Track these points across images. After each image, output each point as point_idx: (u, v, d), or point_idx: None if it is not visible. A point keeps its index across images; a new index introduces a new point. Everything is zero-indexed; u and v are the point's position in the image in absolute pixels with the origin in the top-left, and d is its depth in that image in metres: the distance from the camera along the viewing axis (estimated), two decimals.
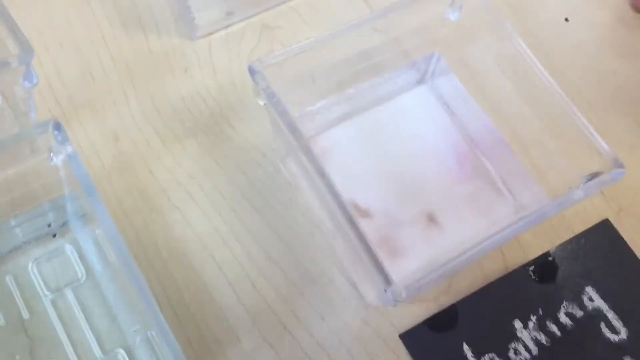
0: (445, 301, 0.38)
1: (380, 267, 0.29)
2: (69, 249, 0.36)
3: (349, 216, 0.30)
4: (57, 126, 0.31)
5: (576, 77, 0.47)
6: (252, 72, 0.33)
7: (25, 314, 0.34)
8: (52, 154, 0.32)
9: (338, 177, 0.39)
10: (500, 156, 0.40)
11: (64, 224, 0.36)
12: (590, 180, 0.33)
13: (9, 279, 0.35)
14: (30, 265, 0.35)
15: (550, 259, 0.40)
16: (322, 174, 0.31)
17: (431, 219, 0.39)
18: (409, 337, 0.37)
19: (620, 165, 0.32)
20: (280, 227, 0.39)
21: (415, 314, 0.38)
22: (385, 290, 0.29)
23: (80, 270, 0.36)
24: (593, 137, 0.33)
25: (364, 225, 0.37)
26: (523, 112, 0.37)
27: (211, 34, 0.45)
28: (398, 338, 0.37)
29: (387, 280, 0.29)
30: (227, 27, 0.46)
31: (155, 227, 0.39)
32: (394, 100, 0.42)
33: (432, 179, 0.40)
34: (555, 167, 0.37)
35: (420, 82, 0.43)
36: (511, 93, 0.37)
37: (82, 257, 0.36)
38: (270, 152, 0.42)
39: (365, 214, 0.39)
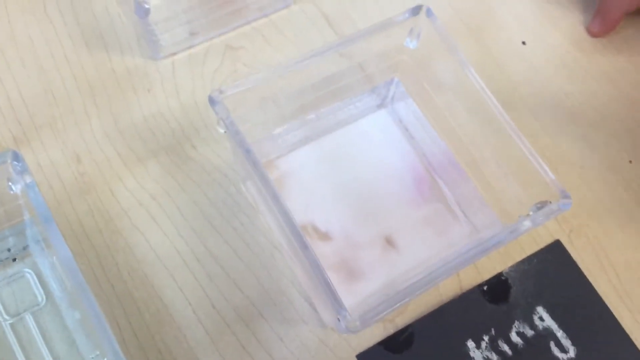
0: (401, 322, 0.39)
1: (334, 297, 0.30)
2: (28, 273, 0.36)
3: (304, 243, 0.31)
4: (16, 157, 0.31)
5: (533, 99, 0.48)
6: (212, 102, 0.34)
7: None
8: (10, 183, 0.32)
9: (298, 199, 0.40)
10: (456, 180, 0.41)
11: (24, 249, 0.37)
12: (539, 208, 0.34)
13: None
14: None
15: (503, 278, 0.42)
16: (277, 199, 0.32)
17: (389, 242, 0.40)
18: (366, 358, 0.38)
19: (567, 196, 0.34)
20: (241, 248, 0.40)
21: (372, 334, 0.39)
22: (339, 320, 0.30)
23: (40, 295, 0.36)
24: (541, 167, 0.35)
25: (324, 247, 0.38)
26: (476, 138, 0.39)
27: (174, 54, 0.46)
28: (355, 358, 0.38)
29: (341, 311, 0.30)
30: (190, 47, 0.46)
31: (117, 249, 0.39)
32: (354, 124, 0.43)
33: (391, 201, 0.41)
34: (506, 193, 0.38)
35: (380, 106, 0.44)
36: (465, 119, 0.39)
37: (41, 281, 0.36)
38: (232, 172, 0.42)
39: (325, 236, 0.40)
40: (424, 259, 0.39)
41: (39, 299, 0.36)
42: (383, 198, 0.41)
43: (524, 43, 0.51)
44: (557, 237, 0.44)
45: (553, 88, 0.49)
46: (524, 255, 0.43)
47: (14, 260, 0.37)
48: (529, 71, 0.50)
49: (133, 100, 0.44)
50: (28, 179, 0.31)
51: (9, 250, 0.36)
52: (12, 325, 0.35)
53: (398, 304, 0.32)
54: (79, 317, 0.35)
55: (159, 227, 0.40)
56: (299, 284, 0.40)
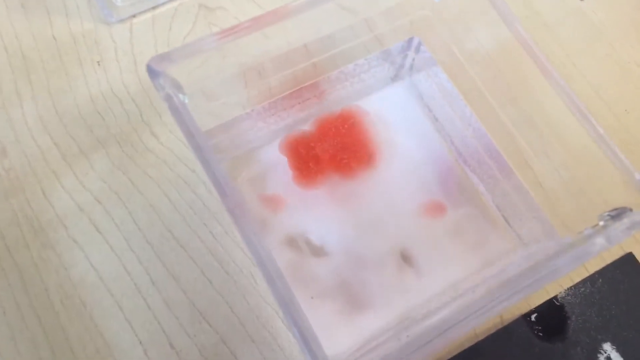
0: None
1: (308, 346, 0.21)
2: None
3: (260, 257, 0.22)
4: None
5: (594, 70, 0.38)
6: (152, 73, 0.25)
7: None
8: None
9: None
10: (496, 176, 0.32)
11: None
12: (615, 218, 0.25)
13: None
14: None
15: (557, 305, 0.32)
16: (227, 199, 0.23)
17: (405, 259, 0.31)
18: None
19: None
20: (211, 266, 0.32)
21: None
22: None
23: None
24: (617, 160, 0.25)
25: (318, 266, 0.29)
26: (527, 121, 0.29)
27: (134, 16, 0.37)
28: None
29: None
30: (154, 7, 0.37)
31: (47, 268, 0.31)
32: (361, 103, 0.34)
33: (408, 205, 0.32)
34: (566, 194, 0.29)
35: (395, 78, 0.34)
36: (512, 95, 0.29)
37: None
38: (202, 169, 0.34)
39: (320, 251, 0.31)
40: (451, 283, 0.30)
41: None
42: (397, 200, 0.32)
43: None
44: (628, 249, 0.34)
45: (620, 55, 0.39)
46: (585, 274, 0.33)
47: None
48: (589, 36, 0.40)
49: (78, 76, 0.35)
50: None
51: None
52: None
53: (416, 353, 0.23)
54: None
55: (104, 240, 0.32)
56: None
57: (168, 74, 0.25)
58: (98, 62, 0.36)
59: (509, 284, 0.24)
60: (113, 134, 0.34)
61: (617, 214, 0.25)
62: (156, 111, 0.35)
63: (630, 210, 0.25)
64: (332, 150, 0.32)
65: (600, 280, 0.33)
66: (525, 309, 0.32)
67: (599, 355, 0.31)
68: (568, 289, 0.33)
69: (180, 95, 0.25)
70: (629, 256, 0.34)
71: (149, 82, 0.35)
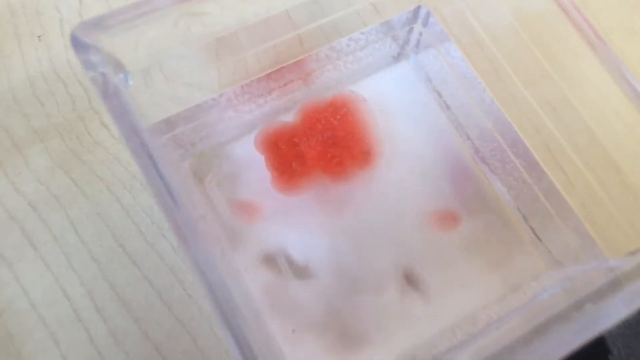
0: None
1: None
2: None
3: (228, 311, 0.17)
4: None
5: (634, 47, 0.32)
6: (78, 47, 0.19)
7: None
8: None
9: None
10: (523, 177, 0.26)
11: None
12: None
13: None
14: None
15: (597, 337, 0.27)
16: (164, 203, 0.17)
17: (410, 281, 0.25)
18: None
19: None
20: (171, 289, 0.26)
21: None
22: None
23: None
24: None
25: (300, 291, 0.23)
26: (563, 109, 0.23)
27: None
28: None
29: None
30: None
31: None
32: (356, 87, 0.28)
33: (412, 214, 0.26)
34: (616, 201, 0.23)
35: (398, 57, 0.29)
36: (544, 78, 0.23)
37: None
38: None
39: (303, 272, 0.25)
40: (468, 313, 0.24)
41: None
42: (400, 208, 0.26)
43: None
44: None
45: None
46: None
47: None
48: (625, 4, 0.34)
49: (13, 53, 0.29)
50: None
51: None
52: None
53: None
54: None
55: (39, 256, 0.26)
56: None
57: (101, 47, 0.19)
58: (39, 36, 0.30)
59: (547, 325, 0.18)
60: (54, 124, 0.28)
61: None
62: None
63: None
64: (320, 146, 0.26)
65: None
66: None
67: None
68: None
69: (121, 75, 0.20)
70: None
71: None
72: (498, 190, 0.27)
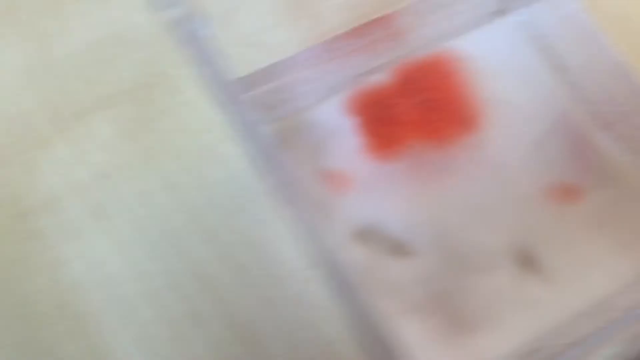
0: None
1: None
2: None
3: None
4: None
5: None
6: None
7: None
8: None
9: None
10: None
11: None
12: None
13: None
14: None
15: None
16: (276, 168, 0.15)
17: (526, 261, 0.22)
18: None
19: None
20: (255, 268, 0.24)
21: None
22: None
23: None
24: None
25: (399, 271, 0.21)
26: None
27: None
28: None
29: None
30: None
31: (29, 267, 0.23)
32: (456, 44, 0.25)
33: (525, 185, 0.23)
34: None
35: (501, 11, 0.26)
36: None
37: None
38: (237, 134, 0.26)
39: (402, 250, 0.23)
40: (602, 298, 0.21)
41: None
42: (511, 179, 0.23)
43: None
44: None
45: None
46: None
47: None
48: None
49: (73, 16, 0.28)
50: None
51: None
52: None
53: None
54: None
55: (109, 229, 0.24)
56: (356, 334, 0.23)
57: None
58: None
59: None
60: (120, 91, 0.26)
61: None
62: (175, 61, 0.27)
63: None
64: (417, 109, 0.23)
65: None
66: None
67: None
68: None
69: (202, 25, 0.18)
70: None
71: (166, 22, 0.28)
72: (625, 160, 0.24)
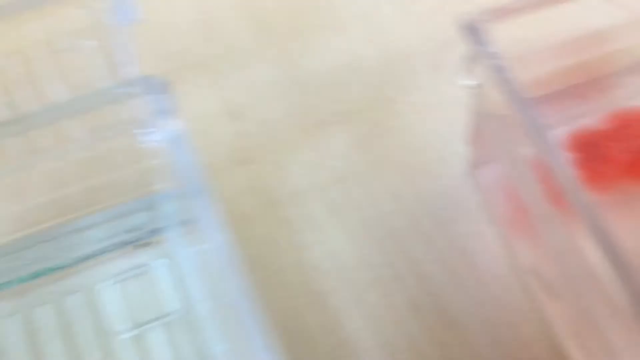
0: None
1: None
2: (160, 267, 0.27)
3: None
4: (162, 88, 0.21)
5: None
6: (471, 31, 0.22)
7: (95, 354, 0.25)
8: (148, 129, 0.22)
9: None
10: None
11: (155, 232, 0.27)
12: None
13: (74, 301, 0.26)
14: (104, 285, 0.26)
15: None
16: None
17: None
18: None
19: None
20: (464, 271, 0.28)
21: None
22: None
23: (174, 300, 0.26)
24: None
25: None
26: None
27: None
28: None
29: None
30: None
31: (278, 247, 0.29)
32: None
33: None
34: None
35: None
36: None
37: (178, 280, 0.26)
38: (456, 156, 0.30)
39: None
40: None
41: (173, 305, 0.26)
42: None
43: None
44: None
45: None
46: None
47: (140, 246, 0.27)
48: None
49: (318, 41, 0.33)
50: (176, 125, 0.21)
51: (133, 231, 0.27)
52: (133, 339, 0.25)
53: None
54: (230, 334, 0.24)
55: (343, 223, 0.29)
56: (556, 338, 0.26)
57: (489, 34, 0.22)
58: (340, 27, 0.33)
59: None
60: (355, 107, 0.32)
61: None
62: (403, 87, 0.32)
63: None
64: (629, 153, 0.27)
65: None
66: None
67: None
68: None
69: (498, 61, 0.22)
70: None
71: (396, 53, 0.33)
72: None
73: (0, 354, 0.25)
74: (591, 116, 0.28)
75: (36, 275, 0.26)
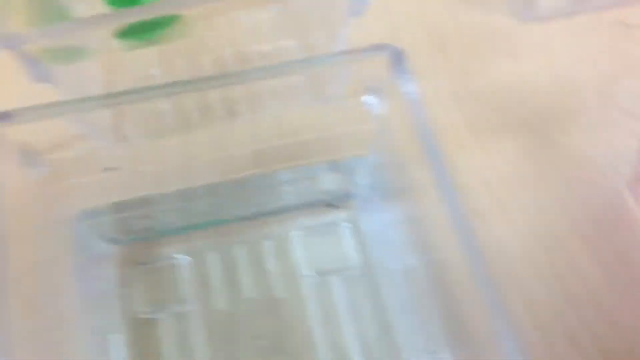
0: None
1: None
2: (345, 229, 0.30)
3: None
4: (398, 55, 0.25)
5: None
6: None
7: (280, 292, 0.28)
8: (372, 94, 0.26)
9: None
10: None
11: (348, 196, 0.30)
12: None
13: (269, 246, 0.30)
14: (296, 234, 0.30)
15: None
16: None
17: None
18: None
19: None
20: (628, 277, 0.30)
21: None
22: None
23: (354, 259, 0.29)
24: None
25: None
26: None
27: (550, 19, 0.38)
28: None
29: None
30: (570, 15, 0.38)
31: None
32: None
33: None
34: None
35: None
36: None
37: (359, 244, 0.29)
38: (613, 173, 0.33)
39: None
40: None
41: (353, 262, 0.29)
42: None
43: None
44: None
45: None
46: None
47: (332, 207, 0.30)
48: None
49: (491, 63, 0.37)
50: (411, 90, 0.24)
51: (326, 193, 0.30)
52: (315, 285, 0.29)
53: None
54: (408, 299, 0.27)
55: (504, 220, 0.32)
56: None
57: None
58: (511, 54, 0.37)
59: None
60: (522, 123, 0.35)
61: None
62: (567, 109, 0.35)
63: None
64: None
65: None
66: None
67: None
68: None
69: None
70: None
71: (561, 84, 0.36)
72: None
73: (203, 278, 0.29)
74: None
75: (237, 219, 0.30)
